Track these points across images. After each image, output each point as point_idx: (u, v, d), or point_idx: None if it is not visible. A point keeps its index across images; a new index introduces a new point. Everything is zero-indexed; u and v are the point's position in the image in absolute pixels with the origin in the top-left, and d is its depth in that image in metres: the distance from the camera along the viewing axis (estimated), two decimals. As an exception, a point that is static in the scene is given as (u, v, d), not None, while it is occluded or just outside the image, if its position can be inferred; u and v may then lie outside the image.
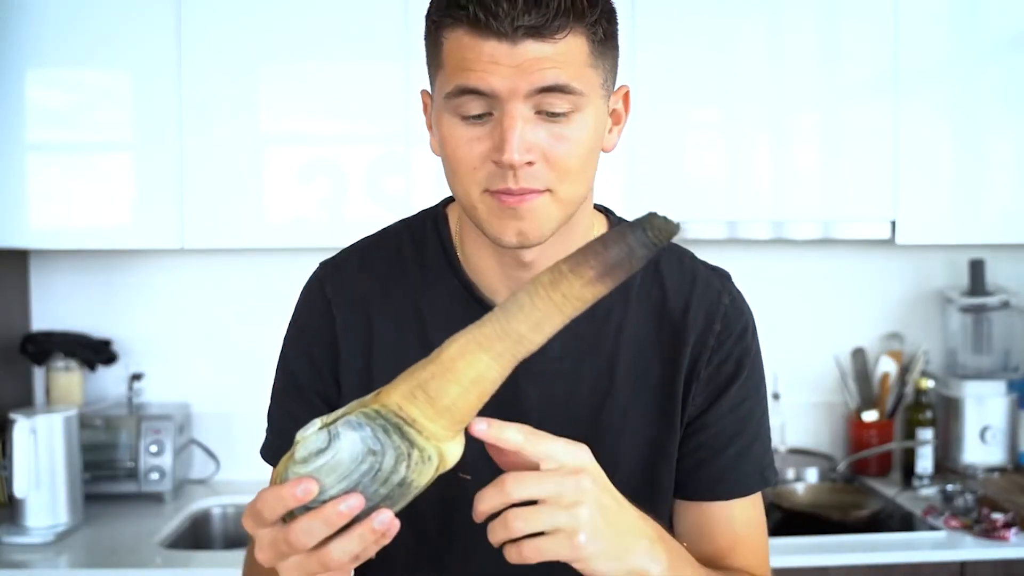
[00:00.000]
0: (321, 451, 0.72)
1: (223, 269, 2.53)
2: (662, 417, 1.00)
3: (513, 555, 0.76)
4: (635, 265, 0.72)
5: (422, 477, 0.74)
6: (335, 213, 2.24)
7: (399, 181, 2.21)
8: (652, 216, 0.71)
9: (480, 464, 0.96)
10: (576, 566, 0.78)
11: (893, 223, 2.29)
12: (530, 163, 0.86)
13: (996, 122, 2.35)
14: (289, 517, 0.73)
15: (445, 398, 0.73)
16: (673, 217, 0.71)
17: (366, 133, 2.25)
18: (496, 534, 0.76)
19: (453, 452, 0.75)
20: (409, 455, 0.73)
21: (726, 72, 2.28)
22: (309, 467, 0.72)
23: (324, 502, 0.71)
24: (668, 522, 1.05)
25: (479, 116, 0.86)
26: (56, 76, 2.21)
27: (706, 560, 1.00)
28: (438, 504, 0.96)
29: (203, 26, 2.17)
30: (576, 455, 0.78)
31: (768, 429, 1.05)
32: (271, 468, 1.04)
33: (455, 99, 0.86)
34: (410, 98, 2.17)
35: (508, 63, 0.83)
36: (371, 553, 0.74)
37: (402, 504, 0.74)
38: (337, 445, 0.72)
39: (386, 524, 0.72)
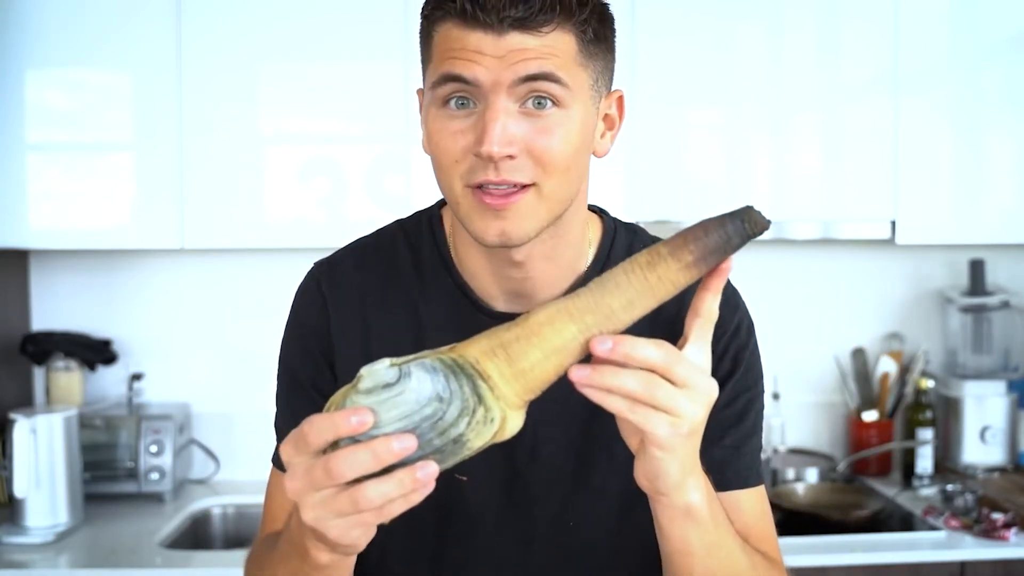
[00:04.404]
0: (388, 385, 0.70)
1: (223, 269, 2.53)
2: None
3: (597, 396, 0.74)
4: (729, 252, 0.74)
5: (478, 439, 0.72)
6: (335, 213, 2.24)
7: (399, 181, 2.22)
8: (750, 209, 0.74)
9: (477, 465, 0.96)
10: (649, 453, 0.78)
11: (893, 223, 2.29)
12: (511, 156, 0.85)
13: (996, 122, 2.35)
14: (332, 450, 0.70)
15: (525, 361, 0.72)
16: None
17: (366, 133, 2.25)
18: (597, 375, 0.73)
19: (514, 423, 0.74)
20: (474, 411, 0.71)
21: (726, 72, 2.28)
22: (371, 399, 0.70)
23: (375, 438, 0.69)
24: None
25: (463, 104, 0.86)
26: (56, 76, 2.21)
27: None
28: (435, 506, 0.96)
29: (203, 26, 2.17)
30: (714, 385, 0.78)
31: (762, 428, 1.05)
32: (279, 472, 1.03)
33: (440, 88, 0.87)
34: (410, 98, 2.17)
35: (493, 53, 0.84)
36: (397, 510, 0.71)
37: (449, 463, 0.72)
38: (406, 383, 0.70)
39: (430, 476, 0.70)
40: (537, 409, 0.95)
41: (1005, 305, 2.54)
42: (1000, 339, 2.56)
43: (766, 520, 1.03)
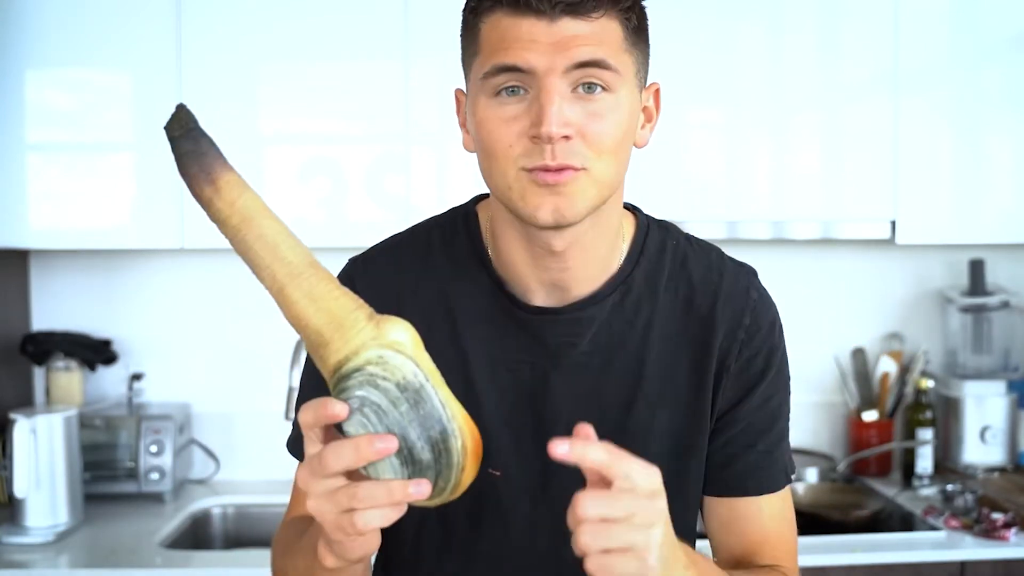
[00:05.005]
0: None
1: (223, 269, 2.52)
2: (691, 411, 1.02)
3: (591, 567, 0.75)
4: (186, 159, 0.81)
5: (396, 372, 0.74)
6: (335, 213, 2.24)
7: (399, 181, 2.21)
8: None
9: (510, 460, 0.96)
10: None
11: (893, 223, 2.29)
12: (567, 138, 0.86)
13: (996, 122, 2.35)
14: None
15: (307, 331, 0.76)
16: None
17: (366, 133, 2.25)
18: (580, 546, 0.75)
19: (391, 334, 0.75)
20: (378, 382, 0.74)
21: (726, 72, 2.28)
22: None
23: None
24: (697, 516, 1.06)
25: (514, 92, 0.88)
26: (56, 76, 2.21)
27: (736, 556, 1.02)
28: (467, 499, 0.97)
29: (203, 26, 2.17)
30: (652, 477, 0.77)
31: (789, 427, 1.06)
32: (281, 468, 1.04)
33: (492, 79, 0.88)
34: (410, 98, 2.17)
35: (546, 40, 0.85)
36: (375, 520, 0.73)
37: (426, 396, 0.75)
38: (353, 419, 0.74)
39: (421, 494, 0.73)
40: (569, 399, 0.96)
41: (1005, 305, 2.54)
42: (1000, 339, 2.56)
43: (787, 524, 1.05)
